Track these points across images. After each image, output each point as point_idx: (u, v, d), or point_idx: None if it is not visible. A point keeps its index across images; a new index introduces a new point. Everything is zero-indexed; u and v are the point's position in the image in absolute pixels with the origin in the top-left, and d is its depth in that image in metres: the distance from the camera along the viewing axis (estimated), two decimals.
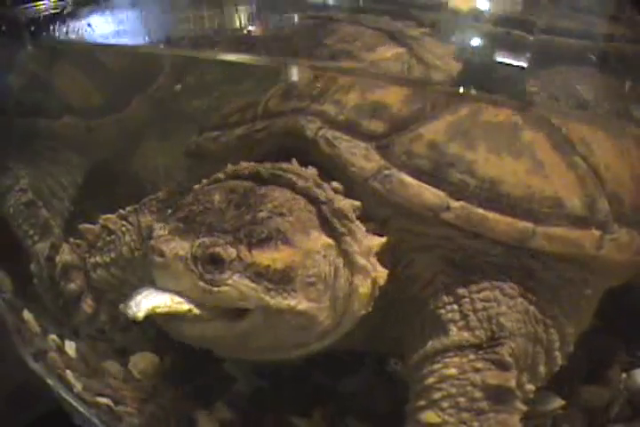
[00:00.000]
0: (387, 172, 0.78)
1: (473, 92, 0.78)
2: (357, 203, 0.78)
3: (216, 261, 0.69)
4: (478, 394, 0.73)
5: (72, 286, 0.99)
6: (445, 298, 0.78)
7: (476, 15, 0.98)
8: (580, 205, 0.79)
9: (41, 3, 1.01)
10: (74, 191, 1.34)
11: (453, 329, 0.77)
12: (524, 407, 0.75)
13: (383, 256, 0.77)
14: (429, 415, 0.74)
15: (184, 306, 0.69)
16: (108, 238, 0.97)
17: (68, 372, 1.00)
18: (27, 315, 1.07)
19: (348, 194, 0.79)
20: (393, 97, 0.83)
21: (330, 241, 0.74)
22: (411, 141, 0.79)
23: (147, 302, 0.68)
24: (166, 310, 0.68)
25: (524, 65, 0.82)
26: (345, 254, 0.75)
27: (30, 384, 1.04)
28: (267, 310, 0.70)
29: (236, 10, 1.03)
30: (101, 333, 1.05)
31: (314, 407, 0.94)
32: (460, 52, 0.91)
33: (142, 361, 1.03)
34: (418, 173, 0.78)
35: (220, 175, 0.80)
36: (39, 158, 1.31)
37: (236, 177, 0.79)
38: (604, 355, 1.00)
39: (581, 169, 0.81)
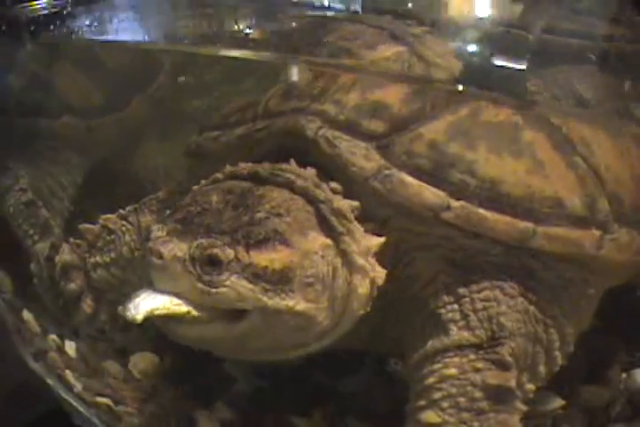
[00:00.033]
0: (387, 171, 0.78)
1: (473, 90, 0.78)
2: (356, 203, 0.78)
3: (214, 263, 0.69)
4: (478, 394, 0.73)
5: (72, 285, 0.99)
6: (446, 298, 0.78)
7: (477, 16, 0.98)
8: (580, 205, 0.79)
9: (35, 2, 1.01)
10: (74, 191, 1.34)
11: (454, 329, 0.77)
12: (524, 407, 0.75)
13: (383, 256, 0.77)
14: (429, 415, 0.74)
15: (182, 308, 0.69)
16: (108, 238, 0.97)
17: (67, 372, 1.00)
18: (27, 315, 1.07)
19: (348, 194, 0.79)
20: (393, 97, 0.83)
21: (328, 241, 0.74)
22: (411, 141, 0.79)
23: (145, 305, 0.68)
24: (165, 312, 0.68)
25: (525, 64, 0.82)
26: (343, 254, 0.75)
27: (30, 384, 1.05)
28: (265, 311, 0.70)
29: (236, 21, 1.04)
30: (101, 333, 1.05)
31: (314, 407, 0.94)
32: (460, 51, 0.91)
33: (142, 361, 1.03)
34: (418, 173, 0.78)
35: (219, 175, 0.80)
36: (39, 158, 1.31)
37: (235, 177, 0.79)
38: (604, 355, 1.01)
39: (582, 169, 0.81)
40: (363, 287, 0.75)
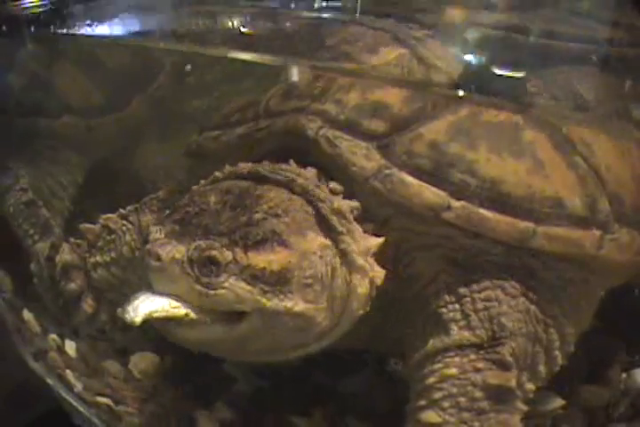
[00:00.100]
0: (387, 171, 0.78)
1: (473, 95, 0.78)
2: (355, 204, 0.78)
3: (212, 265, 0.69)
4: (479, 394, 0.73)
5: (72, 285, 0.99)
6: (447, 297, 0.78)
7: (476, 19, 0.98)
8: (580, 205, 0.79)
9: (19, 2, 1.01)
10: (74, 191, 1.34)
11: (454, 328, 0.77)
12: (524, 407, 0.75)
13: (384, 256, 0.77)
14: (430, 415, 0.74)
15: (181, 310, 0.69)
16: (109, 238, 0.97)
17: (68, 372, 1.00)
18: (27, 315, 1.07)
19: (349, 194, 0.79)
20: (394, 97, 0.83)
21: (326, 241, 0.74)
22: (411, 141, 0.79)
23: (144, 307, 0.68)
24: (164, 314, 0.68)
25: (524, 66, 0.82)
26: (343, 254, 0.75)
27: (30, 384, 1.04)
28: (264, 313, 0.70)
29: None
30: (102, 332, 1.05)
31: (314, 407, 0.94)
32: (460, 54, 0.91)
33: (142, 361, 1.03)
34: (418, 173, 0.78)
35: (218, 175, 0.80)
36: (39, 158, 1.31)
37: (235, 177, 0.79)
38: (604, 355, 1.01)
39: (582, 169, 0.81)
40: (362, 287, 0.75)
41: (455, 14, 1.01)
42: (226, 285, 0.69)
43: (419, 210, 0.77)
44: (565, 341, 0.81)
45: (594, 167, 0.82)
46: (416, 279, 0.81)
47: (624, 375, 0.99)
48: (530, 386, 0.78)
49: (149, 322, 0.69)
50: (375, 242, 0.77)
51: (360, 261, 0.75)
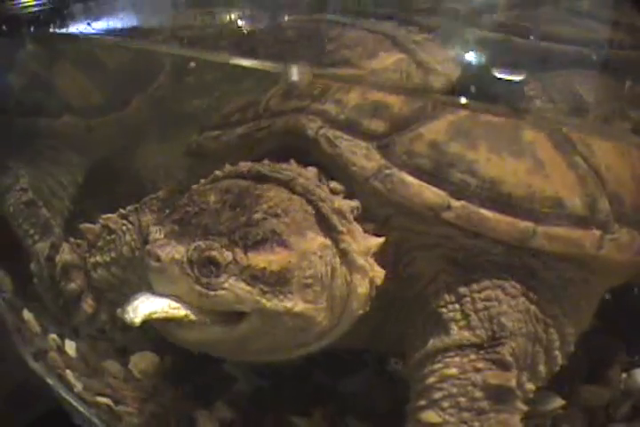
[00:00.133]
0: (387, 171, 0.78)
1: (472, 101, 0.78)
2: (355, 203, 0.78)
3: (212, 265, 0.68)
4: (479, 394, 0.73)
5: (72, 285, 0.99)
6: (447, 297, 0.78)
7: (475, 20, 0.98)
8: (580, 205, 0.79)
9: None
10: (74, 190, 1.34)
11: (454, 328, 0.77)
12: (524, 407, 0.75)
13: (384, 255, 0.77)
14: (430, 415, 0.74)
15: (180, 312, 0.69)
16: (109, 238, 0.97)
17: (68, 371, 1.00)
18: (27, 314, 1.07)
19: (349, 193, 0.79)
20: (394, 97, 0.82)
21: (326, 241, 0.74)
22: (411, 141, 0.79)
23: (144, 308, 0.68)
24: (163, 315, 0.68)
25: (523, 74, 0.82)
26: (343, 254, 0.75)
27: (30, 384, 1.05)
28: (263, 313, 0.70)
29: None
30: (102, 332, 1.05)
31: (314, 407, 0.94)
32: (459, 57, 0.91)
33: (142, 361, 1.03)
34: (419, 173, 0.78)
35: (219, 173, 0.80)
36: (39, 158, 1.31)
37: (235, 176, 0.79)
38: (604, 355, 1.01)
39: (582, 169, 0.81)
40: (362, 287, 0.75)
41: (455, 16, 1.01)
42: (225, 285, 0.69)
43: (419, 210, 0.77)
44: (565, 341, 0.81)
45: (594, 167, 0.82)
46: (416, 279, 0.81)
47: (624, 375, 0.99)
48: (530, 386, 0.78)
49: (149, 323, 0.69)
50: (375, 242, 0.77)
51: (360, 260, 0.75)
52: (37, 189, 1.29)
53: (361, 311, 0.77)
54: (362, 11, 1.04)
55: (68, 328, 1.06)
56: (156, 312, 0.68)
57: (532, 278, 0.79)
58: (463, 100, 0.77)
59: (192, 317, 0.69)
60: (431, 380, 0.75)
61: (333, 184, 0.79)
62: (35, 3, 1.02)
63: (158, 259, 0.69)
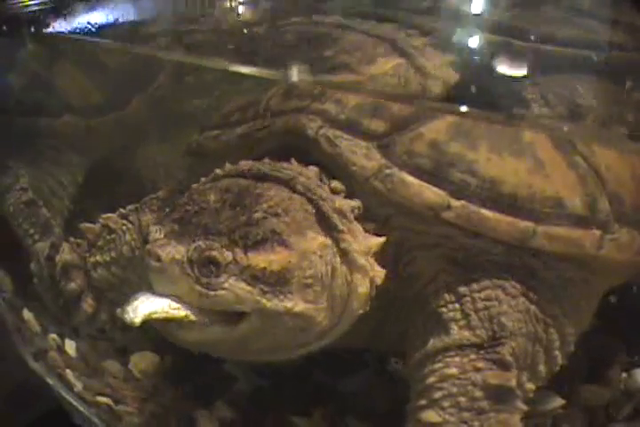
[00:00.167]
0: (387, 171, 0.78)
1: (466, 108, 0.78)
2: (356, 203, 0.78)
3: (212, 265, 0.68)
4: (479, 394, 0.73)
5: (72, 285, 0.99)
6: (447, 297, 0.78)
7: (474, 22, 0.98)
8: (580, 205, 0.79)
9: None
10: (74, 190, 1.34)
11: (454, 328, 0.77)
12: (524, 407, 0.75)
13: (384, 255, 0.77)
14: (430, 415, 0.74)
15: (180, 312, 0.69)
16: (109, 237, 0.97)
17: (68, 371, 1.00)
18: (27, 314, 1.07)
19: (349, 193, 0.79)
20: None
21: (327, 241, 0.74)
22: (411, 141, 0.79)
23: (143, 308, 0.68)
24: (163, 315, 0.68)
25: (522, 74, 0.82)
26: (344, 253, 0.75)
27: (30, 384, 1.04)
28: (264, 313, 0.70)
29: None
30: (102, 332, 1.05)
31: (314, 407, 0.94)
32: (457, 61, 0.91)
33: (143, 361, 1.03)
34: (419, 173, 0.78)
35: (219, 172, 0.80)
36: (39, 157, 1.31)
37: (235, 175, 0.79)
38: (604, 355, 1.01)
39: (582, 169, 0.81)
40: (362, 287, 0.75)
41: (455, 17, 1.01)
42: (226, 285, 0.69)
43: (419, 209, 0.77)
44: (565, 340, 0.81)
45: (594, 167, 0.82)
46: (416, 279, 0.81)
47: (624, 375, 0.99)
48: (530, 386, 0.78)
49: (149, 323, 0.69)
50: (376, 241, 0.77)
51: (361, 260, 0.75)
52: (37, 188, 1.29)
53: (361, 311, 0.77)
54: (362, 11, 1.03)
55: (67, 328, 1.06)
56: (156, 312, 0.68)
57: (532, 278, 0.79)
58: (464, 109, 0.77)
59: (192, 317, 0.69)
60: (431, 379, 0.75)
61: (334, 184, 0.79)
62: (35, 2, 1.02)
63: (158, 259, 0.69)
